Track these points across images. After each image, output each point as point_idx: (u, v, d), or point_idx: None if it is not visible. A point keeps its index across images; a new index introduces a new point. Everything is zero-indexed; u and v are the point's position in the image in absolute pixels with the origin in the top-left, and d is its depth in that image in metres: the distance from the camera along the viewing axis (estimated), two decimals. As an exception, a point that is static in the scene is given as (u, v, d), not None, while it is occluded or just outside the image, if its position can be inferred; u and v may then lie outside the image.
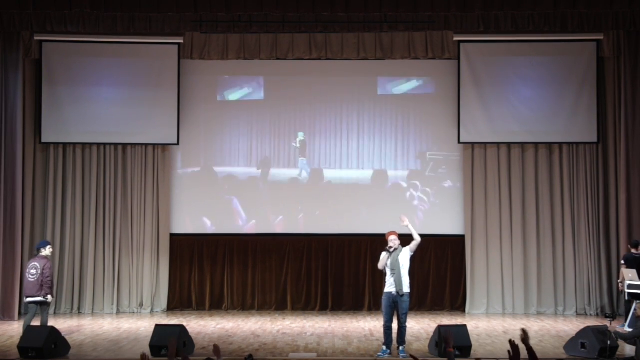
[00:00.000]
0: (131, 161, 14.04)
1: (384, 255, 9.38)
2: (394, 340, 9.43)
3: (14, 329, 11.65)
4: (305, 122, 14.26)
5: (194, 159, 14.24)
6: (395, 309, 9.33)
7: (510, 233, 13.88)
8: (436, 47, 13.95)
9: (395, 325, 9.41)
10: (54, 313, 13.54)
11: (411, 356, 5.17)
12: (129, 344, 10.32)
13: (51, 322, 11.12)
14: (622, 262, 12.14)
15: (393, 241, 9.35)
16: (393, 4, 12.30)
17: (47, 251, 10.74)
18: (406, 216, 9.91)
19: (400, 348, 9.33)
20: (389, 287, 9.31)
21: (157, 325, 9.74)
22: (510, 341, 4.56)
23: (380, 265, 9.42)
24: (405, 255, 9.35)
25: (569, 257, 13.76)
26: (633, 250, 12.09)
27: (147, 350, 9.34)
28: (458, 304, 14.03)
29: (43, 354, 9.15)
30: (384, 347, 9.35)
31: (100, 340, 10.69)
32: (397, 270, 9.23)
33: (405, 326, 9.40)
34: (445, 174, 14.18)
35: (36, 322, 10.48)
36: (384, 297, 9.42)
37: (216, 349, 4.99)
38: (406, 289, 9.29)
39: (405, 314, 9.33)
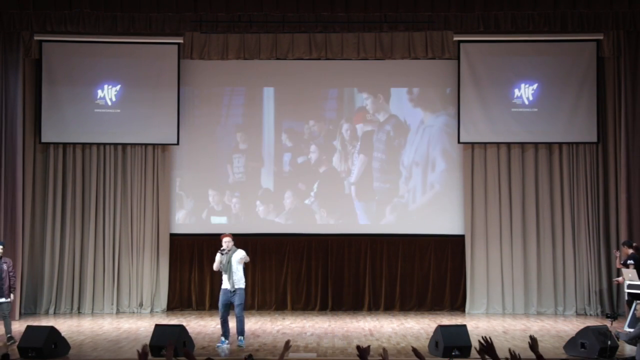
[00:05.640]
0: (131, 161, 14.04)
1: (218, 256, 10.07)
2: (232, 331, 10.16)
3: (14, 328, 11.62)
4: (306, 130, 14.28)
5: (194, 159, 14.24)
6: (231, 303, 10.04)
7: (510, 233, 13.88)
8: (436, 47, 13.95)
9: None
10: (54, 313, 13.58)
11: (413, 350, 5.16)
12: (128, 344, 10.32)
13: (51, 322, 11.15)
14: (632, 261, 11.84)
15: (227, 243, 10.07)
16: (393, 4, 12.31)
17: None
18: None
19: (240, 338, 10.05)
20: (224, 284, 10.06)
21: (157, 325, 9.74)
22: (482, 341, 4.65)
23: (215, 267, 10.13)
24: (237, 256, 10.03)
25: (569, 257, 13.76)
26: (632, 251, 11.98)
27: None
28: (458, 304, 14.04)
29: (43, 354, 9.15)
30: (223, 338, 10.03)
31: (100, 340, 10.69)
32: (230, 269, 9.95)
33: (241, 317, 10.05)
34: (445, 174, 14.18)
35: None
36: (220, 294, 10.12)
37: (186, 352, 4.97)
38: (238, 284, 9.99)
39: (239, 305, 9.98)
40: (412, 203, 14.14)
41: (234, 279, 9.98)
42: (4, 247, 10.92)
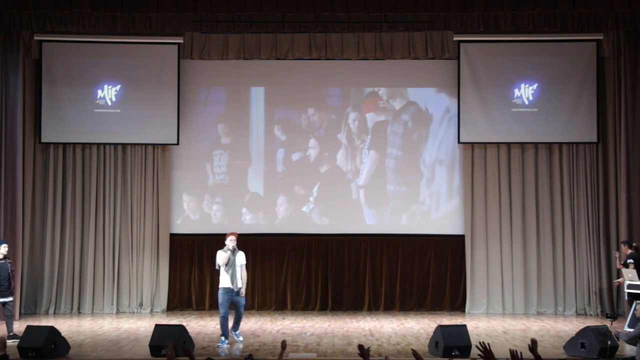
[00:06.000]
0: (131, 161, 14.05)
1: (222, 253, 10.16)
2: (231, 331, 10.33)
3: (14, 328, 11.63)
4: (304, 121, 14.27)
5: (194, 159, 14.24)
6: (232, 302, 10.19)
7: (510, 233, 13.88)
8: (436, 47, 13.96)
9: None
10: (54, 313, 13.58)
11: (412, 351, 5.17)
12: (128, 344, 10.32)
13: (51, 322, 11.15)
14: (631, 261, 11.82)
15: (232, 242, 10.21)
16: (393, 4, 12.31)
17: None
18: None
19: (237, 333, 10.34)
20: (225, 282, 10.14)
21: (157, 325, 9.74)
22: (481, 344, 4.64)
23: (221, 263, 10.16)
24: (240, 257, 10.24)
25: (569, 257, 13.77)
26: (631, 251, 11.98)
27: (147, 350, 9.36)
28: (458, 304, 14.04)
29: (43, 354, 9.15)
30: (223, 338, 10.08)
31: (100, 340, 10.69)
32: (233, 268, 10.11)
33: (242, 316, 10.45)
34: (445, 174, 14.18)
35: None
36: (220, 292, 10.18)
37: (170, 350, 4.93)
38: (240, 284, 10.17)
39: (244, 306, 10.37)
40: (412, 203, 14.12)
41: (237, 277, 10.12)
42: (7, 246, 11.04)
